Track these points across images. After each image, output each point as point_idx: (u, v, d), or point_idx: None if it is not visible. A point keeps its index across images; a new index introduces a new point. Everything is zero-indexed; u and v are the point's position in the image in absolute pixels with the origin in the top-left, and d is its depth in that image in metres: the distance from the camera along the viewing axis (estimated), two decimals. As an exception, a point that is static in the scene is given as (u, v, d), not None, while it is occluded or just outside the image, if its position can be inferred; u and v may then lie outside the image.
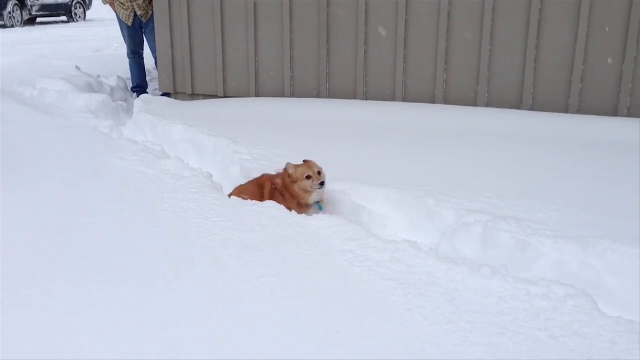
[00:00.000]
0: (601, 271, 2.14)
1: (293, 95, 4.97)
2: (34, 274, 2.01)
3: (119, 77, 6.21)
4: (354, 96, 4.78)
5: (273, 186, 2.85)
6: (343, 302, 1.90)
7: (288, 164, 2.80)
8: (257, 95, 5.07)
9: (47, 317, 1.77)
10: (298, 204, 2.77)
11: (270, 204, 2.69)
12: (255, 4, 4.86)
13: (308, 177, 2.72)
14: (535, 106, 4.34)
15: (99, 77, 6.09)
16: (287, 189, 2.79)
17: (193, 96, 5.31)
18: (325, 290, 1.97)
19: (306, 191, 2.74)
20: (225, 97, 5.16)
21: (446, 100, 4.57)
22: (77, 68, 6.23)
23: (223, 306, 1.86)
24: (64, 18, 17.59)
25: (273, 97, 5.01)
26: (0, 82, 4.61)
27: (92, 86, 5.50)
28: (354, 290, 1.97)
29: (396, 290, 1.94)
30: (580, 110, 4.24)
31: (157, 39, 5.33)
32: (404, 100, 4.66)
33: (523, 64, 4.33)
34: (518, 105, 4.39)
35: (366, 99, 4.76)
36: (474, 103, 4.50)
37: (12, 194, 2.66)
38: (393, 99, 4.68)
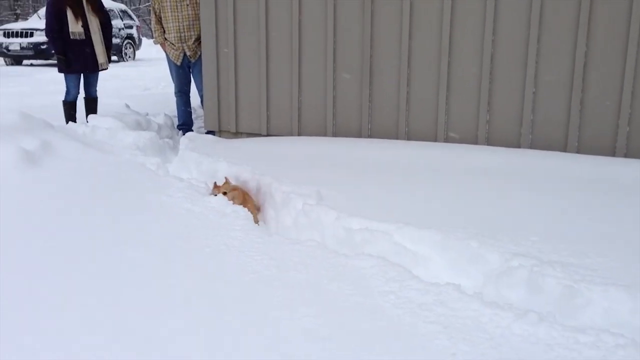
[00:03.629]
0: (653, 320, 2.07)
1: (335, 134, 5.02)
2: (77, 304, 2.06)
3: (165, 115, 6.40)
4: (395, 136, 4.80)
5: None
6: (386, 345, 1.88)
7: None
8: (299, 134, 5.15)
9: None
10: None
11: (312, 243, 2.71)
12: (299, 45, 4.98)
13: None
14: (581, 149, 4.28)
15: (147, 115, 6.28)
16: None
17: (237, 134, 5.42)
18: (367, 331, 1.96)
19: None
20: (268, 135, 5.25)
21: (489, 141, 4.55)
22: (127, 106, 6.44)
23: (265, 345, 1.87)
24: (115, 57, 18.28)
25: (315, 135, 5.07)
26: (54, 119, 4.78)
27: (141, 124, 5.67)
28: (396, 333, 1.95)
29: (440, 334, 1.92)
30: (627, 154, 4.16)
31: (203, 79, 5.49)
32: (446, 140, 4.66)
33: (568, 107, 4.29)
34: (563, 147, 4.33)
35: (408, 139, 4.77)
36: (517, 144, 4.46)
37: (61, 226, 2.74)
38: (435, 139, 4.68)
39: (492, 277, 2.41)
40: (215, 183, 3.64)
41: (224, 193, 3.46)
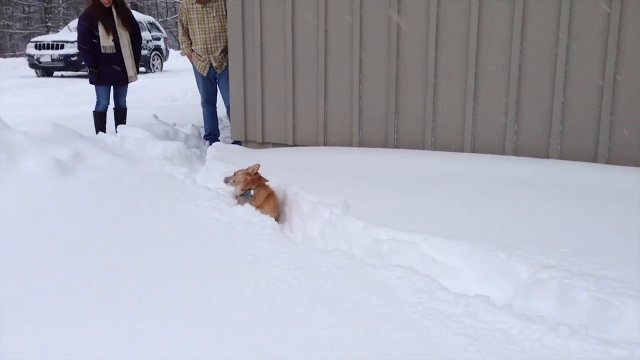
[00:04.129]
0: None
1: (361, 144, 5.02)
2: (107, 315, 2.08)
3: (193, 125, 6.47)
4: (422, 146, 4.79)
5: None
6: (415, 356, 1.87)
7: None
8: (325, 144, 5.16)
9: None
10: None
11: (339, 253, 2.71)
12: (325, 55, 5.00)
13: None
14: (612, 159, 4.21)
15: (174, 125, 6.36)
16: None
17: (263, 144, 5.45)
18: (395, 342, 1.94)
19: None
20: (294, 145, 5.27)
21: (516, 152, 4.51)
22: (155, 116, 6.53)
23: (292, 354, 1.87)
24: (142, 69, 18.56)
25: (341, 146, 5.08)
26: (84, 129, 4.87)
27: (169, 134, 5.74)
28: (425, 344, 1.93)
29: (469, 347, 1.90)
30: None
31: (230, 89, 5.54)
32: (473, 151, 4.63)
33: (598, 116, 4.24)
34: (593, 158, 4.27)
35: (434, 149, 4.75)
36: (545, 154, 4.41)
37: (91, 235, 2.79)
38: (462, 149, 4.65)
39: (521, 289, 2.37)
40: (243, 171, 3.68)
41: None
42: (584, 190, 3.60)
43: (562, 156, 4.37)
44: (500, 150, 4.54)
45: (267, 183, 3.73)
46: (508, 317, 2.05)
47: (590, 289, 2.26)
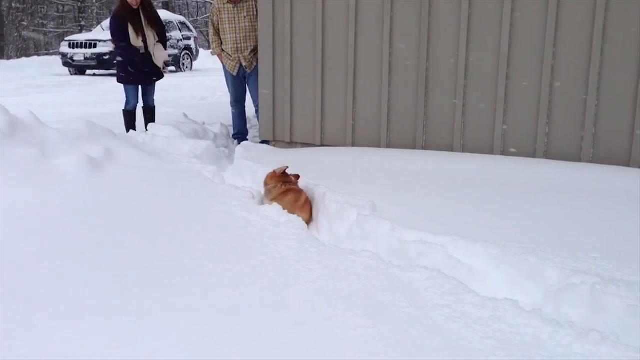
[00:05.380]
0: None
1: (389, 145, 5.01)
2: (136, 313, 2.12)
3: (221, 124, 6.53)
4: (450, 148, 4.76)
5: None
6: (441, 359, 1.86)
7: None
8: (353, 145, 5.16)
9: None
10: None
11: (366, 254, 2.71)
12: (355, 56, 5.00)
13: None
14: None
15: (203, 124, 6.43)
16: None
17: (291, 144, 5.47)
18: (422, 345, 1.94)
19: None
20: (322, 145, 5.28)
21: (547, 155, 4.45)
22: (185, 115, 6.61)
23: (319, 354, 1.88)
24: (173, 68, 18.79)
25: (369, 147, 5.07)
26: (114, 127, 4.95)
27: (198, 132, 5.80)
28: (452, 347, 1.92)
29: (497, 351, 1.88)
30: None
31: (259, 89, 5.58)
32: (503, 153, 4.58)
33: (632, 120, 4.16)
34: (626, 162, 4.19)
35: (463, 152, 4.72)
36: (577, 158, 4.35)
37: (122, 231, 2.83)
38: (491, 152, 4.61)
39: (551, 294, 2.34)
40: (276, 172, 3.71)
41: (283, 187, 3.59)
42: (616, 195, 3.54)
43: (594, 160, 4.30)
44: (530, 153, 4.49)
45: (293, 183, 3.72)
46: (537, 322, 2.03)
47: (622, 295, 2.22)
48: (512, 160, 4.34)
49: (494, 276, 2.59)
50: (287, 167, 3.74)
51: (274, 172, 3.73)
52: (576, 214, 3.25)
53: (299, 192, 3.67)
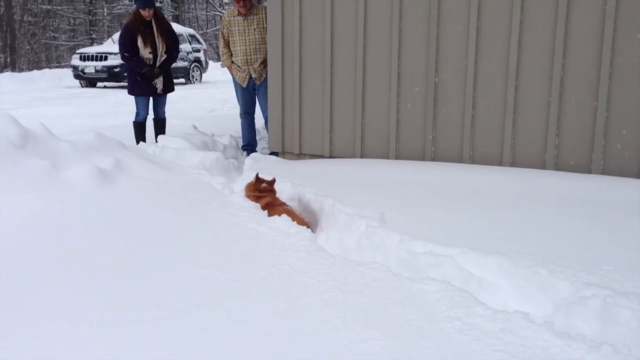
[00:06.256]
0: None
1: (398, 157, 5.01)
2: (141, 322, 2.12)
3: (231, 136, 6.56)
4: (459, 160, 4.75)
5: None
6: (451, 372, 1.84)
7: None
8: (362, 157, 5.16)
9: None
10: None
11: (375, 265, 2.70)
12: (364, 68, 5.01)
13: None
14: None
15: (213, 135, 6.46)
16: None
17: (300, 155, 5.48)
18: (432, 357, 1.92)
19: None
20: (330, 157, 5.29)
21: (557, 166, 4.43)
22: (194, 127, 6.64)
23: (329, 366, 1.87)
24: (182, 80, 18.91)
25: (378, 158, 5.07)
26: (125, 139, 4.98)
27: (207, 144, 5.83)
28: (462, 360, 1.91)
29: (508, 364, 1.86)
30: None
31: (268, 101, 5.60)
32: (512, 165, 4.57)
33: (642, 131, 4.14)
34: (637, 174, 4.17)
35: (472, 163, 4.71)
36: (587, 170, 4.32)
37: (131, 242, 2.84)
38: (501, 163, 4.60)
39: (562, 307, 2.32)
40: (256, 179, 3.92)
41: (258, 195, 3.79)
42: (627, 207, 3.52)
43: (604, 172, 4.28)
44: (540, 164, 4.47)
45: (266, 189, 3.90)
46: (549, 335, 2.01)
47: (634, 308, 2.20)
48: (522, 172, 4.32)
49: (504, 288, 2.57)
50: (257, 174, 3.95)
51: (250, 182, 3.95)
52: (587, 226, 3.23)
53: (266, 197, 3.82)
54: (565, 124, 4.38)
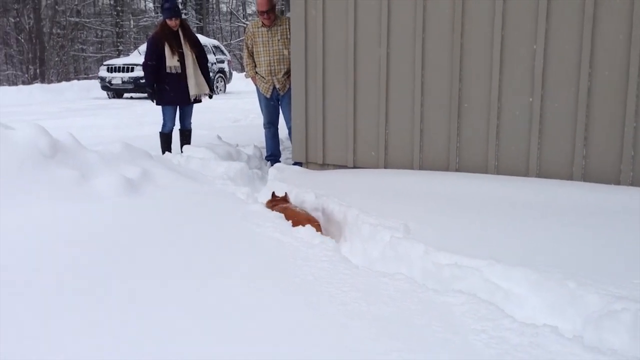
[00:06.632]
0: None
1: (421, 167, 4.98)
2: (166, 331, 2.13)
3: (255, 146, 6.59)
4: (484, 170, 4.70)
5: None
6: (478, 386, 1.82)
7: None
8: (385, 167, 5.15)
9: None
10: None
11: (400, 276, 2.68)
12: (387, 78, 5.01)
13: None
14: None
15: (237, 146, 6.50)
16: None
17: (323, 166, 5.49)
18: (459, 371, 1.90)
19: None
20: (354, 167, 5.28)
21: (585, 177, 4.36)
22: (218, 137, 6.69)
23: (354, 378, 1.85)
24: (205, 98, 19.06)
25: (401, 169, 5.05)
26: (150, 149, 5.04)
27: (231, 154, 5.87)
28: (489, 374, 1.88)
29: (537, 378, 1.83)
30: None
31: (292, 111, 5.62)
32: (539, 175, 4.51)
33: (673, 141, 4.06)
34: (668, 185, 4.09)
35: (497, 173, 4.66)
36: (616, 181, 4.25)
37: (157, 251, 2.87)
38: (527, 174, 4.54)
39: (592, 320, 2.28)
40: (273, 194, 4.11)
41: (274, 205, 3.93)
42: (658, 219, 3.44)
43: (633, 183, 4.20)
44: (568, 175, 4.41)
45: (281, 201, 4.06)
46: (578, 349, 1.97)
47: (667, 322, 2.15)
48: (548, 183, 4.26)
49: (532, 301, 2.53)
50: (273, 192, 4.17)
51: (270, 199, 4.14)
52: (617, 239, 3.16)
53: (281, 206, 3.96)
54: (593, 134, 4.32)
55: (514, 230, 3.33)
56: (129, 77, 17.22)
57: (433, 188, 4.28)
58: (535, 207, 3.70)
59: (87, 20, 32.33)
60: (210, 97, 6.76)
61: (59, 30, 29.52)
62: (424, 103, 4.90)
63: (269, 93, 6.20)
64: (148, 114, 11.82)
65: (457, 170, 4.83)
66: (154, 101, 6.43)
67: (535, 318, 2.38)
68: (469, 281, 2.70)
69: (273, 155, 6.44)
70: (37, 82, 22.74)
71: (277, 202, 4.01)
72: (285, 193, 4.17)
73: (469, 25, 4.64)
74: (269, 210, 3.82)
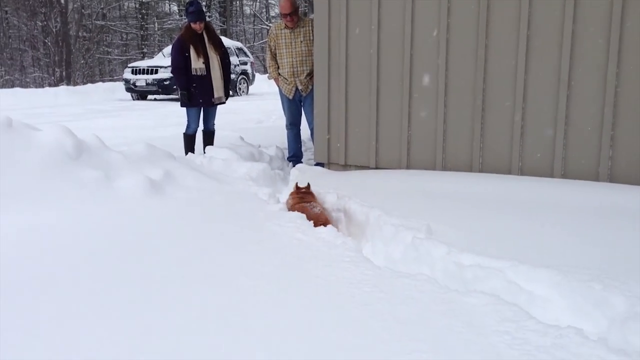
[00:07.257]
0: None
1: (444, 168, 4.96)
2: (190, 330, 2.15)
3: (277, 147, 6.62)
4: (508, 171, 4.66)
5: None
6: (501, 387, 1.80)
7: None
8: (407, 167, 5.13)
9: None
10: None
11: (422, 277, 2.67)
12: (410, 79, 4.99)
13: None
14: None
15: (259, 146, 6.53)
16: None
17: (345, 166, 5.49)
18: (481, 372, 1.89)
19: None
20: (376, 168, 5.27)
21: (611, 178, 4.30)
22: (241, 138, 6.73)
23: (375, 378, 1.85)
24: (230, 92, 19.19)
25: (424, 169, 5.03)
26: (173, 150, 5.09)
27: (254, 155, 5.90)
28: (512, 376, 1.86)
29: (560, 380, 1.81)
30: None
31: (314, 112, 5.63)
32: (564, 176, 4.45)
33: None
34: (697, 185, 4.01)
35: (521, 174, 4.62)
36: (643, 182, 4.18)
37: (181, 251, 2.89)
38: (551, 175, 4.49)
39: (617, 323, 2.24)
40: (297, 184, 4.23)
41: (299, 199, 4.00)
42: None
43: (662, 184, 4.12)
44: (593, 176, 4.35)
45: (304, 193, 4.12)
46: (604, 352, 1.94)
47: (695, 325, 2.11)
48: (574, 184, 4.20)
49: (556, 303, 2.50)
50: (297, 183, 4.30)
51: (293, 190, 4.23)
52: (643, 240, 3.11)
53: (302, 199, 4.03)
54: (620, 134, 4.25)
55: (538, 231, 3.29)
56: (153, 79, 17.41)
57: (455, 189, 4.25)
58: (559, 209, 3.65)
59: (113, 23, 32.77)
60: (224, 102, 6.73)
61: (85, 34, 29.97)
62: (447, 104, 4.87)
63: (292, 94, 6.23)
64: (171, 116, 11.94)
65: (480, 171, 4.79)
66: (184, 103, 6.48)
67: (559, 320, 2.35)
68: (491, 282, 2.68)
69: (295, 156, 6.46)
70: (62, 84, 23.14)
71: (302, 195, 4.08)
72: (308, 184, 4.24)
73: (494, 26, 4.60)
74: (289, 207, 3.90)
